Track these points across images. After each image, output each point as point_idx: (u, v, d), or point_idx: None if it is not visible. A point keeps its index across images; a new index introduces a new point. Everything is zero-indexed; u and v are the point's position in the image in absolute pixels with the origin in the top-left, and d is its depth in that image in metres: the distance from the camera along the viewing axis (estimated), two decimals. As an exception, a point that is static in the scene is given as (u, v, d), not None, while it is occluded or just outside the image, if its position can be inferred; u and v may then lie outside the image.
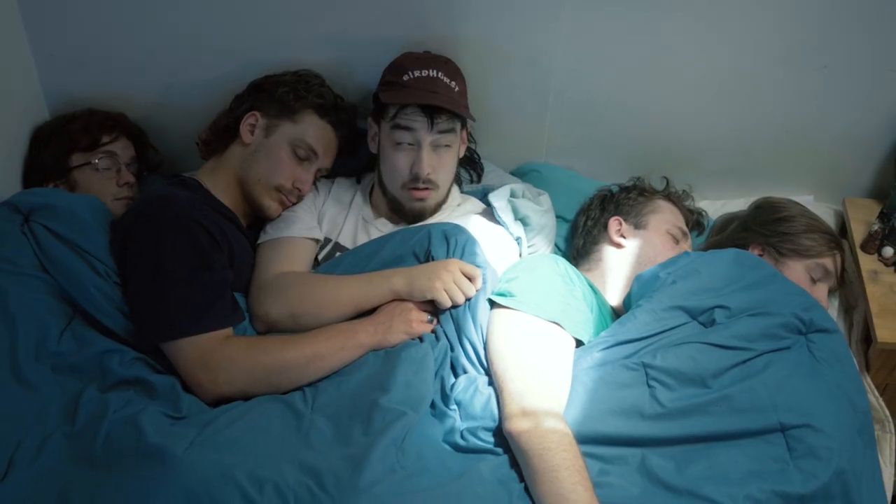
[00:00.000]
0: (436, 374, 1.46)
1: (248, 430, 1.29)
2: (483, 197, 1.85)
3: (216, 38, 1.83)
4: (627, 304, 1.63)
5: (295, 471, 1.22)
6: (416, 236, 1.63)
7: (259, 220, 1.75)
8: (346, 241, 1.76)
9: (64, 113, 1.82)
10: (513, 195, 1.77)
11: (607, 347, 1.47)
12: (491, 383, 1.46)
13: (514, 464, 1.34)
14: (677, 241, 1.78)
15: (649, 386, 1.38)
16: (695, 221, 1.92)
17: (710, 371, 1.37)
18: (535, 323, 1.49)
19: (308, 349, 1.46)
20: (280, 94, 1.71)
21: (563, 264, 1.63)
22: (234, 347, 1.44)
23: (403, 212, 1.76)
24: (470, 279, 1.53)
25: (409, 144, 1.68)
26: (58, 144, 1.76)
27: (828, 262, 1.79)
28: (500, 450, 1.38)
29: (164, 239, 1.46)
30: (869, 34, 1.86)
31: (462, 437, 1.41)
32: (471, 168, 1.95)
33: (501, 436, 1.38)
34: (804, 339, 1.45)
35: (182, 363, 1.41)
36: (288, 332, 1.53)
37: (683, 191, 1.93)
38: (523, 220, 1.78)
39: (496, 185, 1.88)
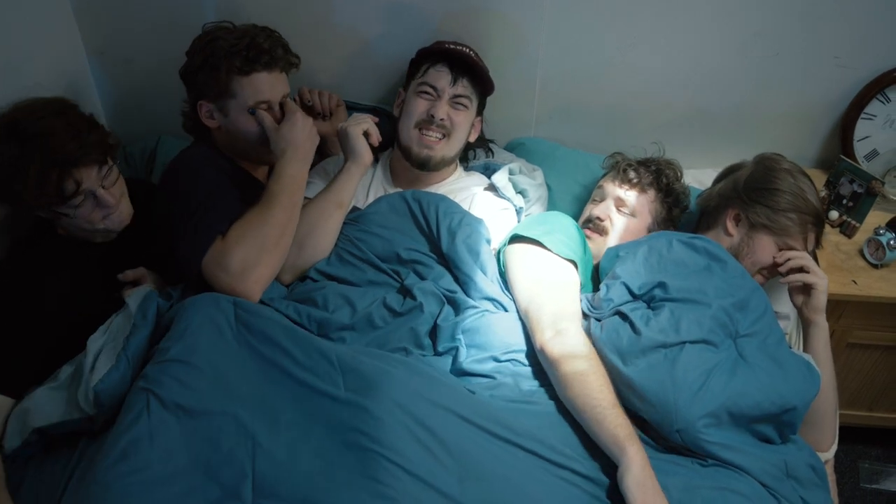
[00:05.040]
0: (433, 327, 1.59)
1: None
2: (484, 172, 2.01)
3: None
4: (602, 273, 1.75)
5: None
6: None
7: None
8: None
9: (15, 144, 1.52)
10: (511, 173, 1.93)
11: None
12: (497, 309, 1.61)
13: (511, 387, 1.50)
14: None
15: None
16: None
17: (633, 352, 1.48)
18: (556, 259, 1.64)
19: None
20: (202, 80, 1.69)
21: (571, 219, 1.78)
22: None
23: (411, 155, 1.85)
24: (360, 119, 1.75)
25: (430, 95, 1.83)
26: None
27: (797, 242, 1.74)
28: (497, 376, 1.53)
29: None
30: (816, 27, 2.02)
31: (466, 365, 1.55)
32: (482, 147, 2.11)
33: (500, 362, 1.55)
34: (732, 343, 1.53)
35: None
36: (303, 265, 1.67)
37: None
38: (522, 193, 1.95)
39: (496, 160, 2.05)
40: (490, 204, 1.88)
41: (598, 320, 1.59)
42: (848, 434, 2.08)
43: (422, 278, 1.66)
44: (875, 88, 2.11)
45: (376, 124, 1.78)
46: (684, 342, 1.48)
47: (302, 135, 1.66)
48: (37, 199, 1.53)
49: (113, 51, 2.05)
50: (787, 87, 2.14)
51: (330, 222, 1.70)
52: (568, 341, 1.49)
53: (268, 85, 1.69)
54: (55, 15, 1.95)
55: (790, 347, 1.71)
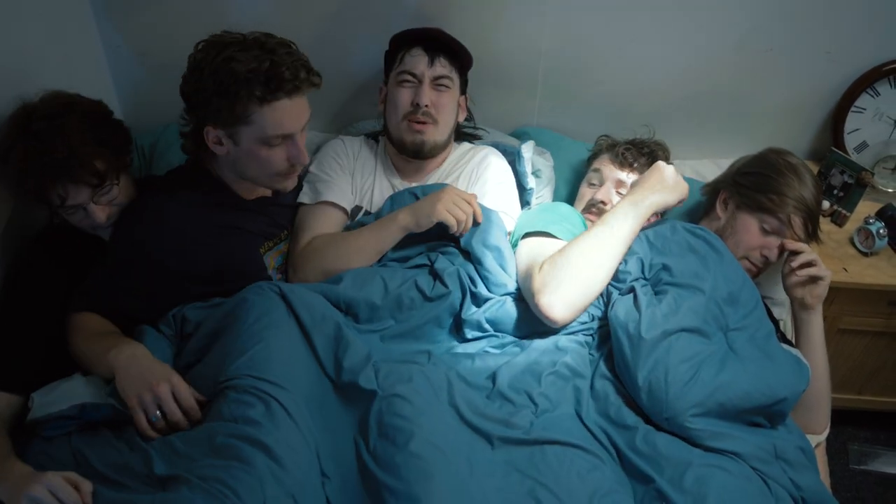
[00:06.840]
0: (453, 319, 1.64)
1: None
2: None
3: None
4: None
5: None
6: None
7: None
8: (377, 207, 1.84)
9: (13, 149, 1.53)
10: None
11: None
12: (515, 298, 1.65)
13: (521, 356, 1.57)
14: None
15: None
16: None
17: (640, 338, 1.51)
18: (563, 244, 1.67)
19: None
20: (214, 106, 1.50)
21: (571, 207, 1.84)
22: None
23: (405, 147, 1.82)
24: (467, 202, 1.67)
25: (411, 82, 1.80)
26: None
27: (780, 224, 1.74)
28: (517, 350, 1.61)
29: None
30: (808, 23, 2.04)
31: (487, 351, 1.62)
32: (472, 139, 2.08)
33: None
34: (723, 336, 1.56)
35: None
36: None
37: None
38: (536, 174, 1.96)
39: (505, 143, 2.05)
40: (499, 172, 1.89)
41: (621, 294, 1.62)
42: (838, 417, 2.04)
43: (451, 264, 1.68)
44: (865, 83, 2.14)
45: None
46: (682, 330, 1.51)
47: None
48: (34, 198, 1.56)
49: (129, 44, 2.06)
50: (780, 82, 2.17)
51: (366, 263, 1.71)
52: (550, 280, 1.56)
53: (291, 115, 1.52)
54: (73, 8, 1.96)
55: (784, 335, 1.76)
